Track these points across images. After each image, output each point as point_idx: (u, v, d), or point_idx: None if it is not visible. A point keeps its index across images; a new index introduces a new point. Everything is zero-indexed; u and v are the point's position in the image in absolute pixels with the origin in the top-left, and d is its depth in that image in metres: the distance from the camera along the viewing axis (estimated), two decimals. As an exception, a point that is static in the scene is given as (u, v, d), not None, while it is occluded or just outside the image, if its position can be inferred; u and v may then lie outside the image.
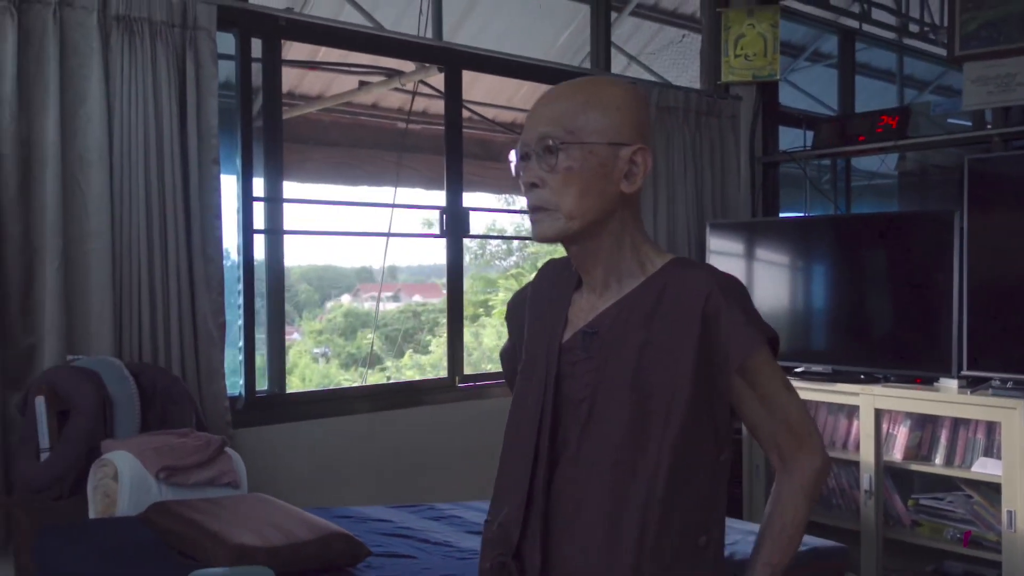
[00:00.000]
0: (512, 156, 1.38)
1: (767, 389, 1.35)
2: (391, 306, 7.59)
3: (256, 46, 3.39)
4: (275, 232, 3.46)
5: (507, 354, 1.59)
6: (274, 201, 3.45)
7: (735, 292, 1.33)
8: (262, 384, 3.44)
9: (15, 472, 2.55)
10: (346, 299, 7.76)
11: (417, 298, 7.90)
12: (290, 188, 3.56)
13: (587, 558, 1.29)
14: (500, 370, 1.65)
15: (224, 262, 3.18)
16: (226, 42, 3.25)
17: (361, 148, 5.50)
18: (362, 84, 4.50)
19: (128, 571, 1.93)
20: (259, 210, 3.40)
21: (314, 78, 4.64)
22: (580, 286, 1.42)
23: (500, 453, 1.44)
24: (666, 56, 6.17)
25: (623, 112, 1.33)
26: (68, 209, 2.84)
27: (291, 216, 3.51)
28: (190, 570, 1.83)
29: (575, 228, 1.32)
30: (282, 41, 3.51)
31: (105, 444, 2.46)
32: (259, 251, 3.42)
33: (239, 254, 3.34)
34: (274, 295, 3.48)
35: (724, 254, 4.42)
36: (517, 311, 1.53)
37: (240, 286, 3.34)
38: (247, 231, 3.35)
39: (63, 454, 2.44)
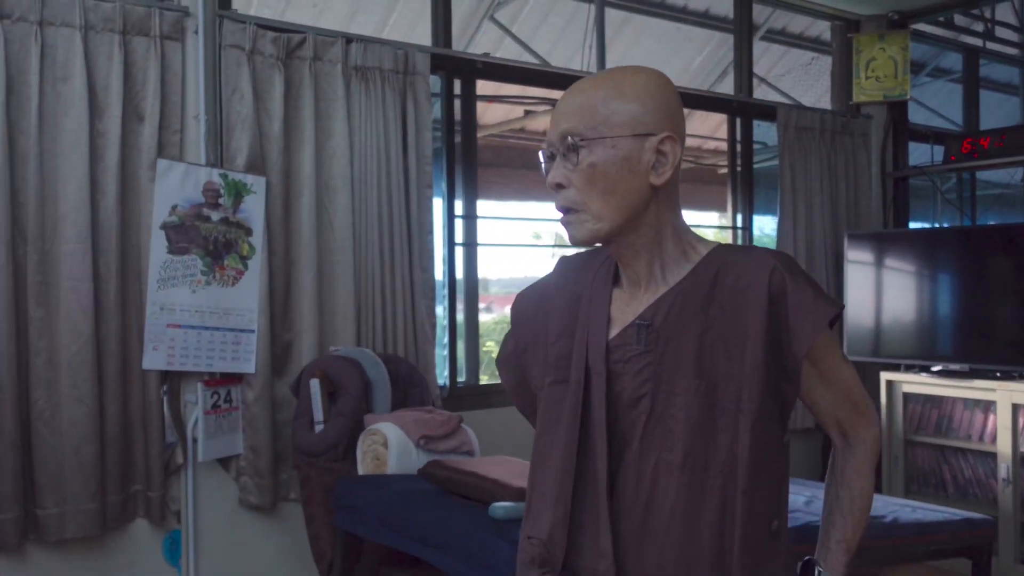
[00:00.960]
0: (541, 157, 1.31)
1: (828, 364, 1.31)
2: (485, 317, 8.03)
3: (456, 85, 3.95)
4: (471, 244, 4.01)
5: (508, 361, 1.48)
6: (470, 218, 4.00)
7: (797, 267, 1.28)
8: (461, 376, 3.99)
9: (294, 440, 3.14)
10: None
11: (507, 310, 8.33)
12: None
13: (663, 559, 1.24)
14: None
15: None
16: (433, 83, 3.81)
17: (511, 168, 6.03)
18: (527, 112, 5.04)
19: (427, 508, 2.45)
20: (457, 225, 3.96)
21: (494, 109, 5.20)
22: (618, 282, 1.35)
23: (530, 464, 1.39)
24: (791, 78, 6.54)
25: (646, 100, 1.25)
26: (319, 227, 3.43)
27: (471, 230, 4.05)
28: (476, 511, 2.34)
29: (605, 230, 1.27)
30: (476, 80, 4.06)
31: (367, 418, 3.02)
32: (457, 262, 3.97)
33: (444, 264, 3.89)
34: (470, 300, 4.02)
35: (859, 263, 4.78)
36: (530, 311, 1.44)
37: (445, 291, 3.90)
38: (451, 244, 3.90)
39: (336, 426, 3.01)
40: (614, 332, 1.30)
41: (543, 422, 1.36)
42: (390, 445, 2.84)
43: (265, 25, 3.33)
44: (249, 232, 3.27)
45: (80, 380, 2.93)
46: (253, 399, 3.27)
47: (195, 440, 3.19)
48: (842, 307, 1.29)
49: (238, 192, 3.24)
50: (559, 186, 1.27)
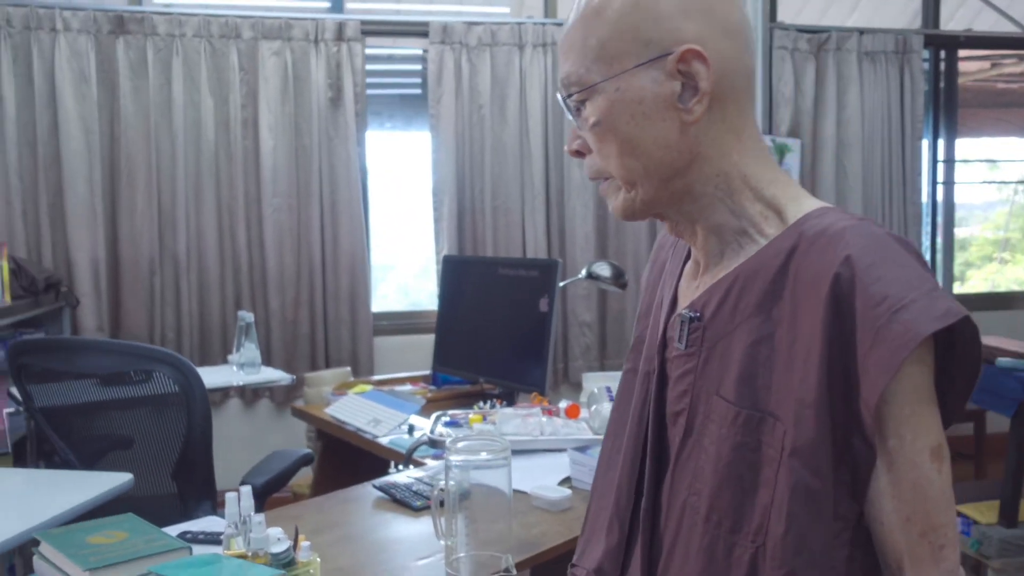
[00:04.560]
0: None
1: (897, 444, 0.83)
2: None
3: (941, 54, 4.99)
4: (949, 183, 5.07)
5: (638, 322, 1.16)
6: (949, 162, 5.05)
7: (883, 256, 0.81)
8: (939, 287, 5.11)
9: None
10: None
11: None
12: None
13: None
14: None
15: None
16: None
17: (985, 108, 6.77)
18: (993, 65, 5.85)
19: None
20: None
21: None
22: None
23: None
24: None
25: (637, 9, 0.88)
26: (837, 175, 4.72)
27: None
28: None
29: (640, 199, 0.93)
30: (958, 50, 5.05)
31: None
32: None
33: (928, 198, 5.01)
34: (947, 227, 5.10)
35: None
36: (654, 265, 1.13)
37: (928, 219, 5.02)
38: (933, 183, 5.01)
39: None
40: (673, 319, 0.99)
41: (612, 419, 1.11)
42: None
43: (802, 29, 4.66)
44: (789, 179, 4.67)
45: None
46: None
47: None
48: (951, 322, 0.79)
49: (782, 151, 4.65)
50: (577, 153, 0.98)
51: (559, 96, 0.96)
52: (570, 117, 0.96)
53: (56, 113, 3.92)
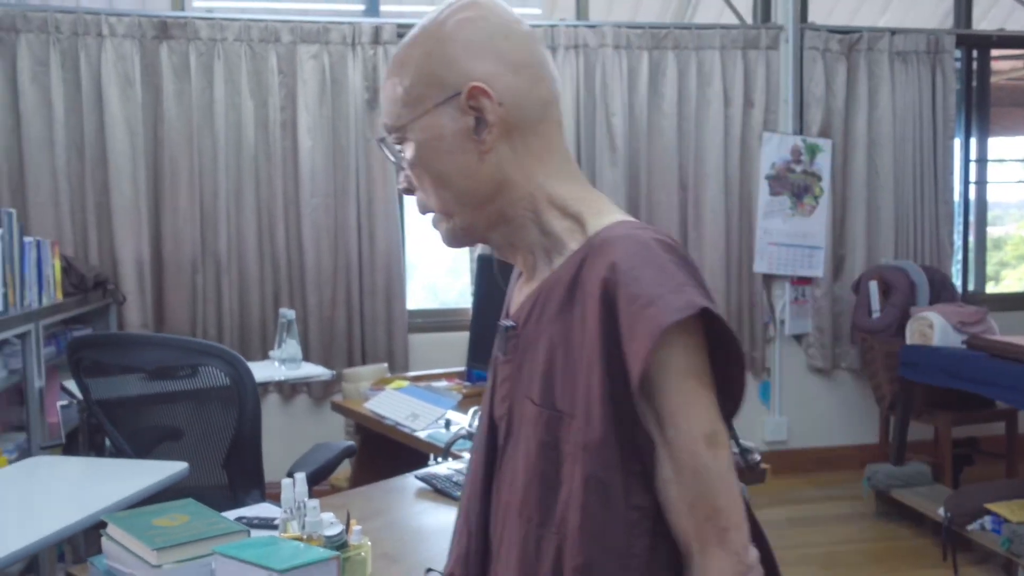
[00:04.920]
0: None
1: (674, 434, 0.90)
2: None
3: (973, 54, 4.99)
4: (981, 183, 5.06)
5: None
6: (981, 161, 5.05)
7: (643, 259, 0.90)
8: (970, 285, 5.11)
9: (855, 323, 4.56)
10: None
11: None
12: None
13: None
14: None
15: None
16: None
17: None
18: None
19: (980, 361, 3.70)
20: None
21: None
22: None
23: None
24: None
25: (433, 54, 0.97)
26: (868, 174, 4.74)
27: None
28: (1018, 365, 3.56)
29: (459, 225, 1.02)
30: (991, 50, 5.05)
31: (913, 309, 4.31)
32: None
33: (960, 197, 5.01)
34: (979, 226, 5.10)
35: None
36: (511, 285, 1.15)
37: (959, 219, 5.03)
38: (965, 182, 5.01)
39: (889, 314, 4.36)
40: None
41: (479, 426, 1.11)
42: (935, 326, 4.12)
43: (833, 30, 4.69)
44: (820, 179, 4.69)
45: (717, 277, 4.60)
46: (820, 295, 4.74)
47: (782, 321, 4.75)
48: (699, 308, 0.87)
49: (813, 151, 4.68)
50: (407, 191, 1.04)
51: (376, 142, 1.05)
52: (391, 159, 1.05)
53: (102, 116, 4.04)
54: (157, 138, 4.14)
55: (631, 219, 1.00)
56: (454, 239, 1.04)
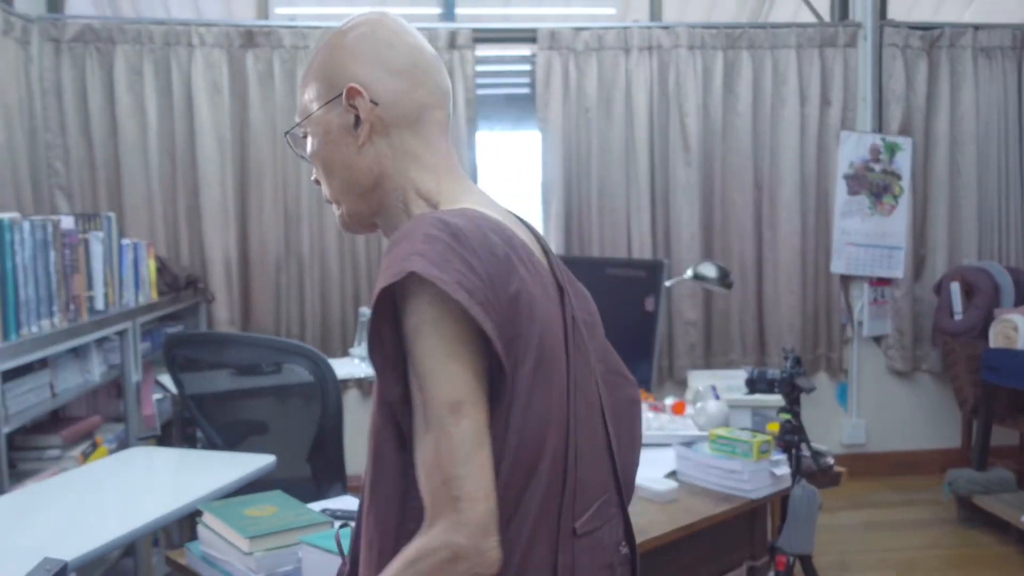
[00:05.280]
0: None
1: (422, 400, 0.94)
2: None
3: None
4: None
5: None
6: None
7: (404, 234, 0.97)
8: (1059, 287, 4.94)
9: (937, 325, 4.47)
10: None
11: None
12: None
13: None
14: None
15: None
16: (1044, 51, 4.73)
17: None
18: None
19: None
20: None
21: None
22: None
23: None
24: None
25: (327, 60, 1.11)
26: (950, 173, 4.63)
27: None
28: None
29: (347, 212, 1.13)
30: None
31: (997, 311, 4.21)
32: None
33: (1048, 197, 4.87)
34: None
35: None
36: None
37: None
38: (1054, 181, 4.86)
39: (972, 316, 4.26)
40: None
41: None
42: (1019, 329, 4.02)
43: (914, 26, 4.60)
44: (899, 178, 4.61)
45: (792, 277, 4.56)
46: (900, 296, 4.66)
47: (860, 322, 4.69)
48: (414, 270, 0.91)
49: (893, 150, 4.60)
50: (317, 182, 1.16)
51: (284, 136, 1.18)
52: (296, 152, 1.19)
53: (192, 122, 4.22)
54: (243, 142, 4.31)
55: (474, 208, 1.05)
56: (345, 225, 1.16)
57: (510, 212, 1.16)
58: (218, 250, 4.25)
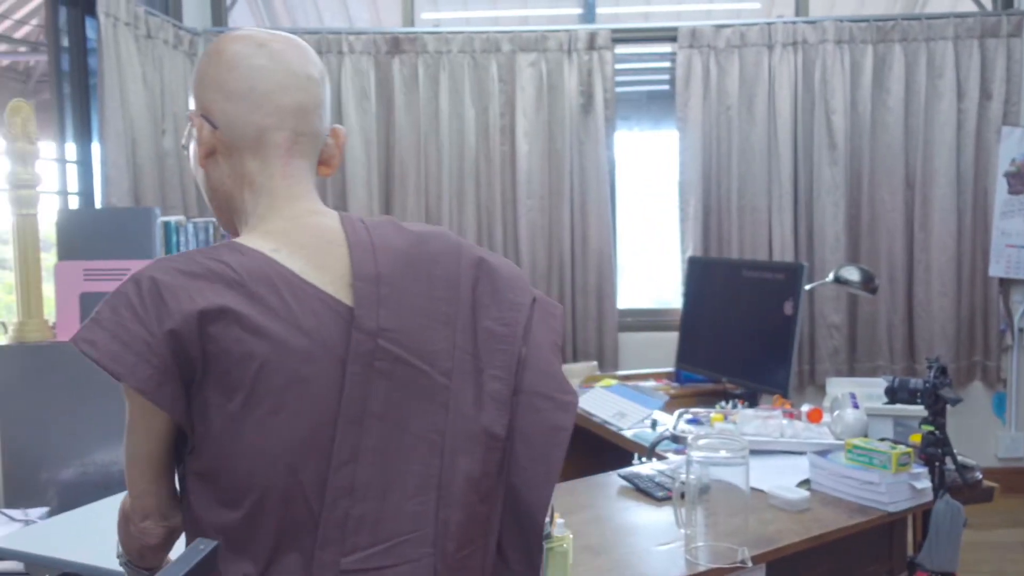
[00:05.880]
0: None
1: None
2: None
3: None
4: None
5: None
6: None
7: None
8: None
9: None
10: None
11: None
12: None
13: None
14: None
15: None
16: None
17: None
18: None
19: None
20: None
21: None
22: None
23: None
24: None
25: (195, 81, 1.16)
26: None
27: None
28: None
29: (219, 222, 1.25)
30: None
31: None
32: None
33: None
34: None
35: None
36: None
37: None
38: None
39: None
40: None
41: None
42: None
43: (1087, 13, 4.29)
44: (1068, 175, 4.32)
45: (946, 280, 4.35)
46: (1067, 302, 4.36)
47: (1021, 328, 4.41)
48: (84, 344, 0.98)
49: (1062, 146, 4.31)
50: None
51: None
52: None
53: (341, 125, 4.42)
54: (389, 145, 4.48)
55: (244, 243, 1.08)
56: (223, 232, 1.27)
57: (324, 234, 1.10)
58: (364, 248, 4.42)
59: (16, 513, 2.32)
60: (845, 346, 4.42)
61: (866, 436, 2.33)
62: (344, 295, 1.06)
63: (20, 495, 2.62)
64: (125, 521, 1.14)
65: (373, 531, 1.02)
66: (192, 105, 1.15)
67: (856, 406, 2.50)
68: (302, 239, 1.08)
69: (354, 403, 1.02)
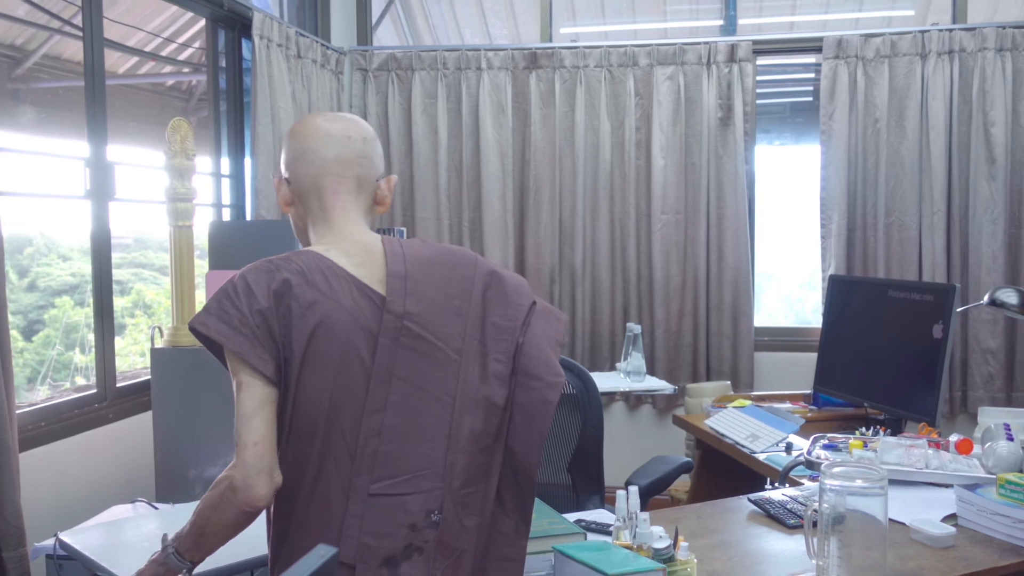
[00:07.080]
0: None
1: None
2: None
3: None
4: None
5: None
6: None
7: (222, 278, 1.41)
8: None
9: None
10: None
11: None
12: None
13: None
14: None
15: None
16: None
17: None
18: None
19: None
20: None
21: None
22: None
23: None
24: None
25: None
26: None
27: None
28: None
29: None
30: None
31: None
32: None
33: None
34: None
35: None
36: None
37: None
38: None
39: None
40: None
41: None
42: None
43: None
44: None
45: None
46: None
47: None
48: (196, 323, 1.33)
49: None
50: None
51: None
52: None
53: (478, 140, 4.50)
54: (524, 159, 4.52)
55: (311, 251, 1.40)
56: None
57: (366, 246, 1.43)
58: (497, 260, 4.48)
59: (166, 507, 2.46)
60: (1001, 373, 4.14)
61: (1021, 471, 2.17)
62: (379, 287, 1.38)
63: (171, 490, 2.78)
64: (231, 490, 1.29)
65: (396, 465, 1.33)
66: (275, 172, 1.57)
67: (1011, 438, 2.34)
68: (348, 248, 1.42)
69: (383, 367, 1.33)
